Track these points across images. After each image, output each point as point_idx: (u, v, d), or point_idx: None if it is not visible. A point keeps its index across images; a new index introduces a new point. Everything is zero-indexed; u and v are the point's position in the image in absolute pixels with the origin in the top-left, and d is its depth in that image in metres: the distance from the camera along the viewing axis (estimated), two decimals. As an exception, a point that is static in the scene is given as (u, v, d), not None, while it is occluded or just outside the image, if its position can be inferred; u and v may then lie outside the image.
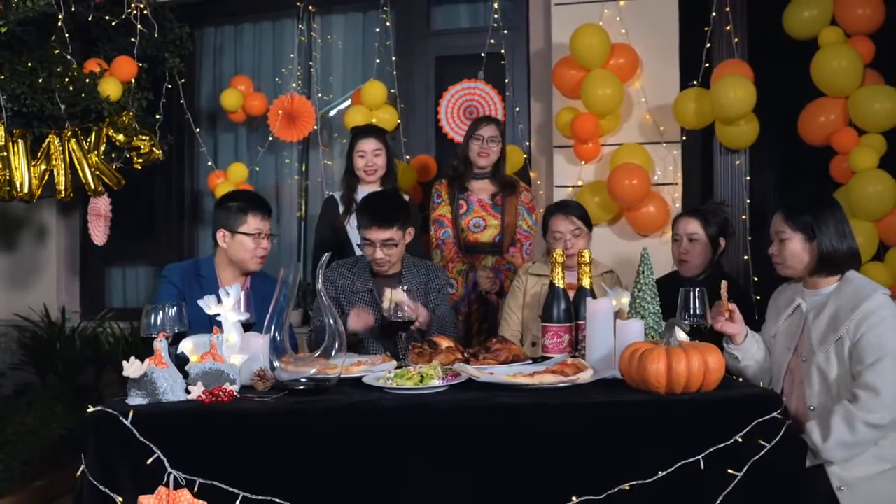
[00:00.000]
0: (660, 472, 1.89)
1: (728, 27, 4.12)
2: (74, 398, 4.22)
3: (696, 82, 4.03)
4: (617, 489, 1.87)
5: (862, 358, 2.25)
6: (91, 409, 1.90)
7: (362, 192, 3.73)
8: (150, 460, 1.83)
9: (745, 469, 1.91)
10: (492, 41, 4.58)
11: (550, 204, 3.55)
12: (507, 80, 4.65)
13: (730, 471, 1.91)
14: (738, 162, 4.21)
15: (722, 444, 1.91)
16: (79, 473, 1.85)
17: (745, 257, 4.14)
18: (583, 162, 4.20)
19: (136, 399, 1.94)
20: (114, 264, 5.45)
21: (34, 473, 3.61)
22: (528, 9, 4.64)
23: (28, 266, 5.19)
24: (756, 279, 4.04)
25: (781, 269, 2.49)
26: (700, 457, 1.90)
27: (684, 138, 4.15)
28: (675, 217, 3.35)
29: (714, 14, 4.09)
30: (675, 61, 4.14)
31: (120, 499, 1.82)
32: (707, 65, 4.07)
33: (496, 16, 4.57)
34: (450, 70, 4.82)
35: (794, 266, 2.44)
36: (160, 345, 1.98)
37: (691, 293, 2.33)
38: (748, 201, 4.20)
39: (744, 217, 4.20)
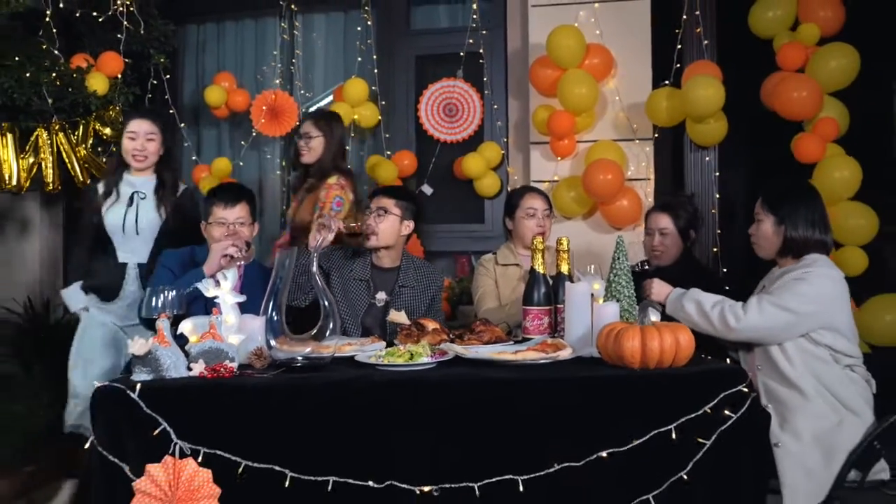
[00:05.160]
0: (634, 441, 2.03)
1: (698, 29, 4.24)
2: (59, 389, 4.25)
3: (667, 82, 4.15)
4: (595, 456, 2.02)
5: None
6: (98, 384, 2.00)
7: (129, 179, 3.36)
8: (156, 431, 1.94)
9: (713, 437, 2.06)
10: (470, 41, 4.68)
11: (515, 188, 3.65)
12: (485, 79, 4.75)
13: (699, 439, 2.06)
14: (707, 158, 4.31)
15: (692, 415, 2.06)
16: (87, 445, 1.95)
17: (715, 249, 4.25)
18: (559, 158, 4.31)
19: (140, 375, 2.04)
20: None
21: (25, 458, 3.65)
22: (506, 10, 4.75)
23: (11, 258, 5.19)
24: (725, 270, 4.17)
25: (756, 249, 2.70)
26: (672, 426, 2.05)
27: (656, 135, 4.27)
28: (647, 212, 3.51)
29: (685, 17, 4.22)
30: (647, 61, 4.25)
31: (128, 467, 1.92)
32: (678, 65, 4.19)
33: (475, 16, 4.67)
34: (430, 69, 4.92)
35: (764, 246, 2.65)
36: (163, 324, 2.08)
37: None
38: (717, 196, 4.31)
39: (713, 211, 4.30)
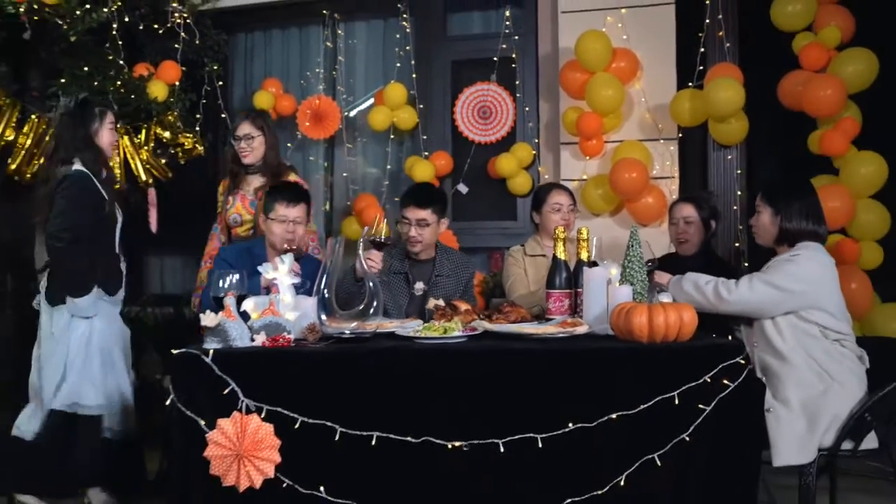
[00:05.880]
0: (641, 406, 2.28)
1: (720, 33, 4.43)
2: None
3: (691, 84, 4.34)
4: (606, 418, 2.27)
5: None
6: (175, 351, 2.32)
7: None
8: (226, 391, 2.25)
9: (712, 404, 2.29)
10: (503, 46, 4.94)
11: (542, 184, 3.85)
12: (517, 82, 4.99)
13: (700, 405, 2.29)
14: (729, 157, 4.50)
15: (693, 383, 2.29)
16: (168, 402, 2.26)
17: (737, 244, 4.44)
18: (587, 157, 4.52)
19: (211, 344, 2.36)
20: (149, 253, 5.68)
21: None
22: (537, 16, 4.98)
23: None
24: (747, 265, 4.34)
25: (756, 238, 2.98)
26: (675, 393, 2.29)
27: (680, 135, 4.46)
28: (672, 204, 3.74)
29: (708, 21, 4.41)
30: (672, 64, 4.45)
31: (203, 421, 2.24)
32: (701, 67, 4.37)
33: (507, 23, 4.93)
34: (465, 73, 5.16)
35: (763, 235, 2.91)
36: (230, 301, 2.39)
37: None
38: (739, 193, 4.48)
39: (735, 207, 4.48)
